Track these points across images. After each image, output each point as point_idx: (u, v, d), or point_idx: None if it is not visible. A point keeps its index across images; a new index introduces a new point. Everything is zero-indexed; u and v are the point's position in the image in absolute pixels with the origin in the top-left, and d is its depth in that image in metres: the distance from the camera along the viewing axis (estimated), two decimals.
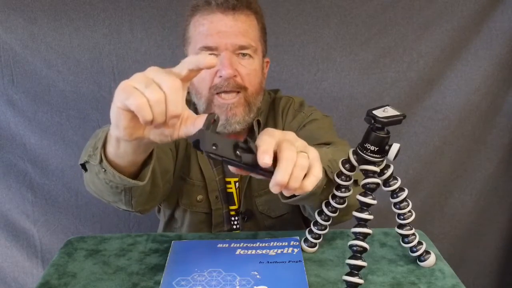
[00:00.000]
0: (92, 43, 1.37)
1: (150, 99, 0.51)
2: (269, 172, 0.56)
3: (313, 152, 0.61)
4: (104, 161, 0.66)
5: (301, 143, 0.61)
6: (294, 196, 0.67)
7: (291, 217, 1.05)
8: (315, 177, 0.59)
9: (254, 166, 0.55)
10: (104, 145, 0.66)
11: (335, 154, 0.75)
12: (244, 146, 0.55)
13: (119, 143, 0.62)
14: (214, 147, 0.52)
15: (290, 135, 0.61)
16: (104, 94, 1.41)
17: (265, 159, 0.55)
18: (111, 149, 0.65)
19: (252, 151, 0.55)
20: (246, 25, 0.93)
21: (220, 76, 0.91)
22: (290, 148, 0.57)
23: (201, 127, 0.53)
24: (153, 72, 0.53)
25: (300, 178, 0.57)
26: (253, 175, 0.58)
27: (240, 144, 0.55)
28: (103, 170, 0.68)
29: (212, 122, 0.54)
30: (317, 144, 0.92)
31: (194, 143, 0.52)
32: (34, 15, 1.33)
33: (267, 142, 0.57)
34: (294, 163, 0.56)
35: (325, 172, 0.70)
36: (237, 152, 0.54)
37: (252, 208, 1.02)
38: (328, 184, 0.73)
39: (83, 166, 0.75)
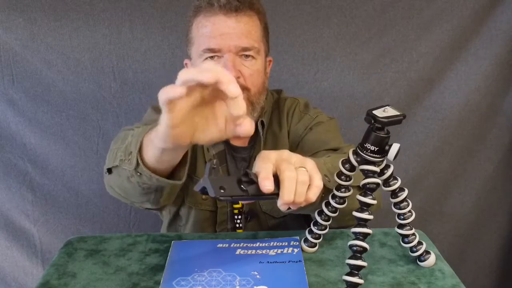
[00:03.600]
0: (92, 43, 1.37)
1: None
2: (275, 194, 0.60)
3: (310, 164, 0.64)
4: (142, 165, 0.68)
5: (297, 158, 0.64)
6: None
7: (294, 218, 1.06)
8: (317, 187, 0.62)
9: (260, 194, 0.59)
10: (139, 150, 0.67)
11: (336, 161, 0.76)
12: (246, 178, 0.59)
13: (164, 152, 0.63)
14: (222, 190, 0.56)
15: (285, 153, 0.64)
16: (104, 94, 1.41)
17: (266, 186, 0.58)
18: (150, 156, 0.66)
19: (254, 181, 0.59)
20: (249, 26, 0.93)
21: None
22: (289, 167, 0.60)
23: (205, 176, 0.56)
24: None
25: (304, 193, 0.61)
26: (261, 200, 0.60)
27: (243, 178, 0.59)
28: (138, 174, 0.70)
29: (212, 168, 0.57)
30: (326, 149, 0.93)
31: (202, 190, 0.56)
32: (34, 15, 1.33)
33: (265, 168, 0.60)
34: (295, 181, 0.60)
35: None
36: (242, 186, 0.58)
37: (255, 208, 1.02)
38: (326, 193, 0.74)
39: (109, 169, 0.76)
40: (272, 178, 0.60)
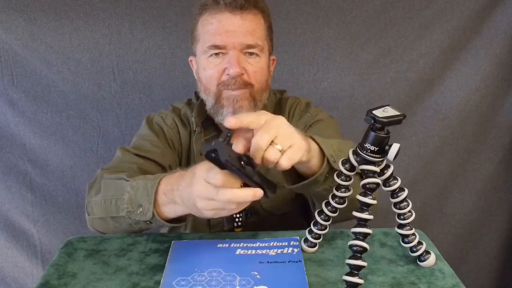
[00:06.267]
0: (92, 43, 1.37)
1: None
2: (258, 185, 0.64)
3: (297, 143, 0.66)
4: (157, 217, 0.75)
5: (285, 134, 0.65)
6: (298, 182, 0.75)
7: (295, 215, 1.06)
8: (290, 159, 0.65)
9: (250, 177, 0.63)
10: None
11: (341, 146, 0.78)
12: (245, 159, 0.62)
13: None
14: (229, 157, 0.59)
15: (277, 120, 0.66)
16: (104, 94, 1.41)
17: (228, 120, 0.63)
18: (170, 211, 0.75)
19: (252, 165, 0.63)
20: (254, 24, 0.94)
21: (228, 74, 0.93)
22: (262, 136, 0.63)
23: (220, 140, 0.59)
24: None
25: (273, 157, 0.63)
26: (246, 182, 0.63)
27: (243, 158, 0.62)
28: (148, 222, 0.77)
29: (227, 136, 0.61)
30: None
31: (210, 152, 0.58)
32: (34, 15, 1.33)
33: (251, 117, 0.64)
34: (262, 148, 0.63)
35: (327, 161, 0.74)
36: (242, 163, 0.61)
37: (255, 204, 1.02)
38: (331, 173, 0.74)
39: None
40: (240, 123, 0.64)
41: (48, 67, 1.37)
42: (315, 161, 0.73)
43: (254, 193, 0.62)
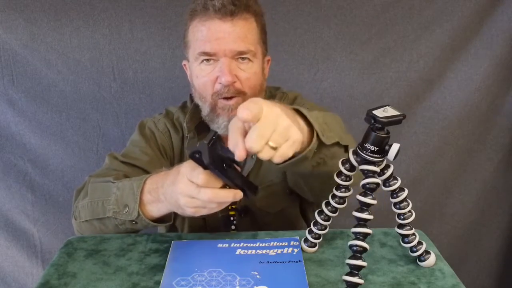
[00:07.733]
0: (92, 43, 1.37)
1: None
2: (239, 187, 0.67)
3: (294, 136, 0.62)
4: (142, 216, 0.78)
5: (282, 126, 0.61)
6: (287, 160, 0.69)
7: (289, 212, 1.06)
8: (282, 156, 0.62)
9: (232, 179, 0.66)
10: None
11: (326, 118, 0.74)
12: (228, 161, 0.65)
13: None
14: (212, 159, 0.61)
15: (274, 113, 0.61)
16: (104, 94, 1.41)
17: (240, 112, 0.58)
18: (154, 211, 0.78)
19: (234, 167, 0.66)
20: (245, 30, 0.92)
21: (220, 83, 0.92)
22: (258, 139, 0.59)
23: (204, 142, 0.62)
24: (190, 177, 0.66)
25: (267, 156, 0.61)
26: (227, 184, 0.66)
27: (226, 160, 0.65)
28: (133, 222, 0.80)
29: (212, 138, 0.63)
30: None
31: (194, 153, 0.61)
32: (34, 15, 1.33)
33: (251, 109, 0.59)
34: (257, 150, 0.60)
35: (316, 135, 0.69)
36: (224, 165, 0.64)
37: (249, 204, 1.01)
38: (320, 147, 0.71)
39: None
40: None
41: (48, 67, 1.37)
42: (304, 139, 0.69)
43: (234, 195, 0.66)
